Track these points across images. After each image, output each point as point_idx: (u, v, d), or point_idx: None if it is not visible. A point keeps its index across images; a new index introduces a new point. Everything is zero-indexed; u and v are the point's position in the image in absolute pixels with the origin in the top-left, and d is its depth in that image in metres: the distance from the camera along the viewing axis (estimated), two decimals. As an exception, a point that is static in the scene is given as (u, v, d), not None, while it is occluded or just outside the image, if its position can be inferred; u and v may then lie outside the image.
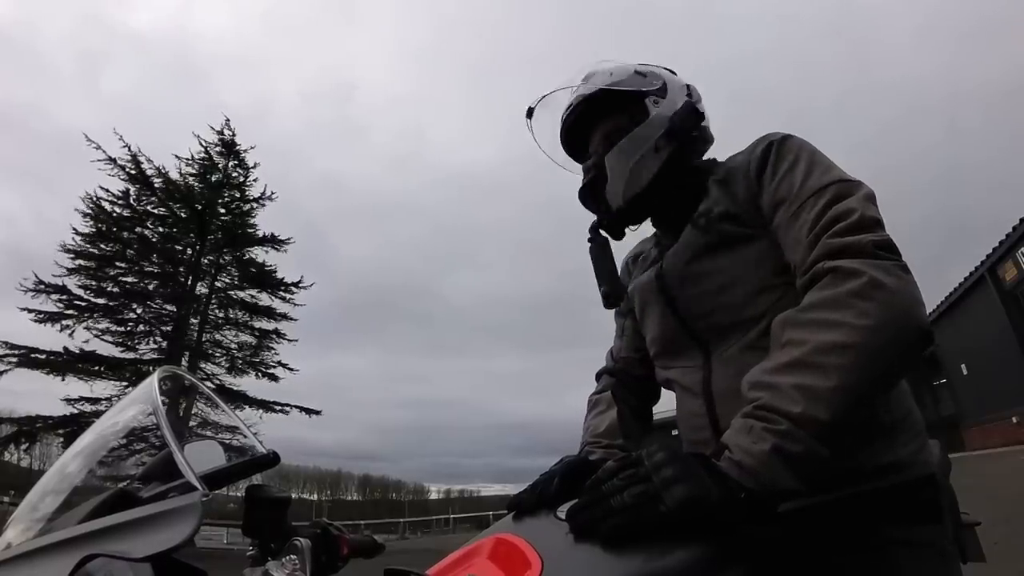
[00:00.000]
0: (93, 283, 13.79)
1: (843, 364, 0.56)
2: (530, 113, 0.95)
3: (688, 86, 0.92)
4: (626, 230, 0.91)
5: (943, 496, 0.70)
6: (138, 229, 14.50)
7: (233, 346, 15.51)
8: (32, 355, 12.80)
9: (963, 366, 12.85)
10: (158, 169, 14.51)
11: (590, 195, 0.89)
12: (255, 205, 15.84)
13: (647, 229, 0.97)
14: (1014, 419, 10.58)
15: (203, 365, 14.78)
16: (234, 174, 15.69)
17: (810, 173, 0.73)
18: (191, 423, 12.30)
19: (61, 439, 13.09)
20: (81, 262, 13.59)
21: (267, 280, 15.57)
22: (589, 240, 0.88)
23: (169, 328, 14.40)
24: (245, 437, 0.84)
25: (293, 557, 0.63)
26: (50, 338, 13.31)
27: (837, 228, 0.66)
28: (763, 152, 0.78)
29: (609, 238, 0.89)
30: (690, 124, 0.86)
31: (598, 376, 1.09)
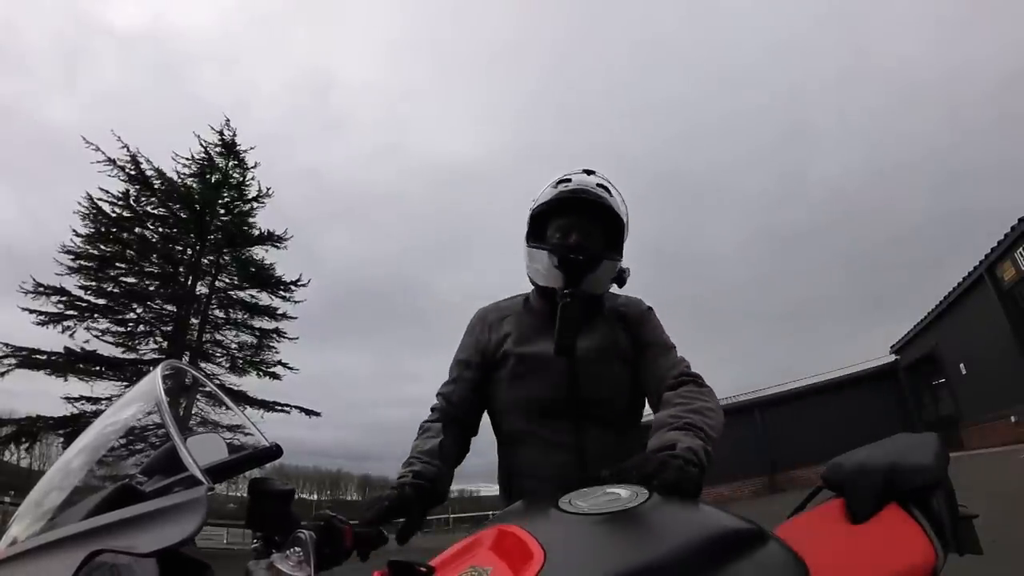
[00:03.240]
0: (93, 284, 13.78)
1: (715, 416, 1.00)
2: (590, 172, 1.25)
3: None
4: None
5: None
6: (138, 230, 14.50)
7: (233, 346, 15.52)
8: (33, 356, 12.79)
9: (962, 366, 12.82)
10: (158, 170, 14.51)
11: (573, 265, 1.16)
12: (254, 204, 15.86)
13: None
14: (1012, 418, 10.58)
15: (204, 365, 14.77)
16: (233, 174, 15.69)
17: (663, 332, 1.25)
18: (191, 422, 12.29)
19: (61, 439, 13.08)
20: (82, 262, 13.59)
21: (267, 279, 15.56)
22: (568, 298, 1.13)
23: (169, 328, 14.39)
24: (247, 431, 0.85)
25: (297, 549, 0.63)
26: (50, 339, 13.30)
27: (684, 366, 1.16)
28: (643, 313, 1.27)
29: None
30: (626, 277, 1.25)
31: (433, 409, 1.26)
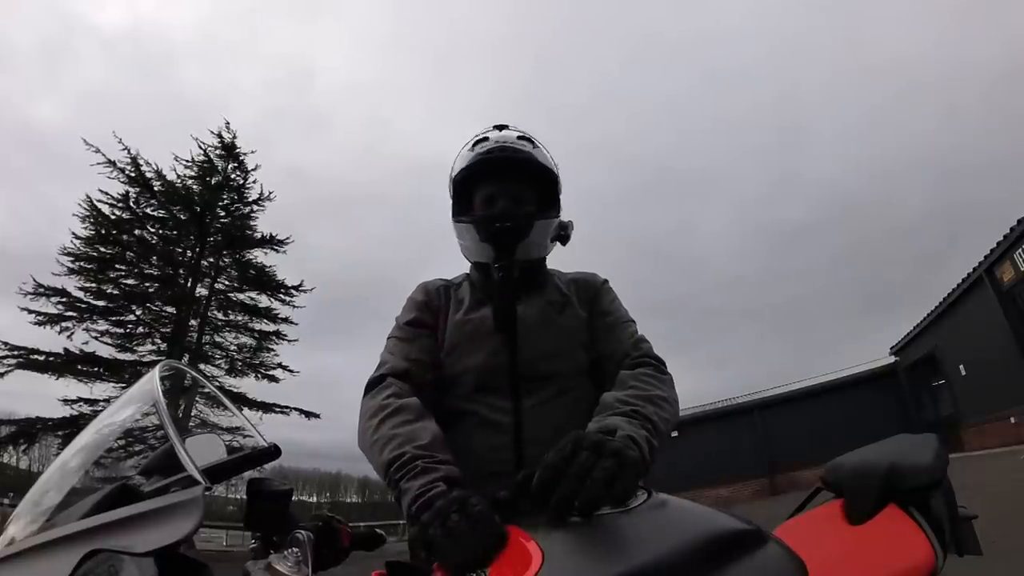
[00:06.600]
0: (93, 285, 13.77)
1: (669, 409, 0.92)
2: (501, 128, 1.13)
3: None
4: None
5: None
6: (137, 231, 14.49)
7: (232, 348, 15.51)
8: (31, 356, 12.78)
9: (961, 367, 12.83)
10: (158, 172, 14.51)
11: (500, 236, 1.04)
12: (255, 208, 15.85)
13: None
14: (1012, 419, 10.58)
15: (203, 367, 14.75)
16: (234, 176, 15.68)
17: (621, 307, 1.17)
18: (190, 423, 12.27)
19: (60, 441, 13.06)
20: (81, 264, 13.58)
21: (266, 282, 15.55)
22: (501, 272, 1.04)
23: (168, 330, 14.38)
24: (247, 433, 0.84)
25: (295, 550, 0.63)
26: (49, 340, 13.28)
27: (646, 347, 1.07)
28: (600, 284, 1.18)
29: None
30: (570, 232, 1.13)
31: (377, 380, 0.99)
